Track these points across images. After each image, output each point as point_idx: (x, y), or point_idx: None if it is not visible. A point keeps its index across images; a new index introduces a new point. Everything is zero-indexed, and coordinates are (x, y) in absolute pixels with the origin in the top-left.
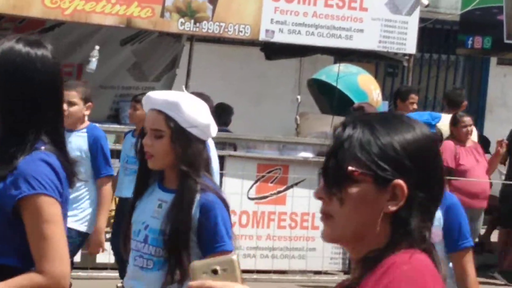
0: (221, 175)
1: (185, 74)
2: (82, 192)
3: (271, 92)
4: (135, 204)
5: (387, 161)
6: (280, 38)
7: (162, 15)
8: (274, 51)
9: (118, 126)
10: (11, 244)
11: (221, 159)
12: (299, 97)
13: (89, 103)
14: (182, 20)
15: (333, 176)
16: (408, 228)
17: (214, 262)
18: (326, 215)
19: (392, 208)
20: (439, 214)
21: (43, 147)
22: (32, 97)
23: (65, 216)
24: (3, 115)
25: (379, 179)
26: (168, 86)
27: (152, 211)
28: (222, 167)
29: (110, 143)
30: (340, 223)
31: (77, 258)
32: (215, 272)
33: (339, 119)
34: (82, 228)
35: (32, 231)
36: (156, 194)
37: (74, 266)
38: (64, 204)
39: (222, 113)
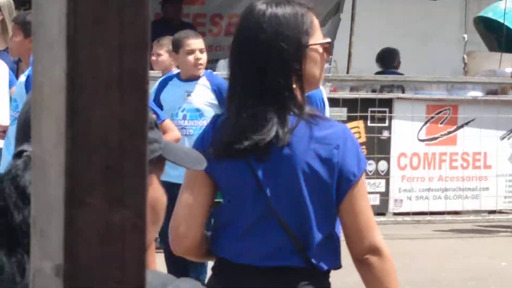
0: (390, 118)
1: (349, 18)
2: None
3: (437, 32)
4: None
5: None
6: None
7: None
8: None
9: None
10: None
11: (390, 101)
12: (465, 36)
13: None
14: None
15: None
16: None
17: None
18: None
19: None
20: None
21: None
22: None
23: None
24: None
25: None
26: (333, 31)
27: None
28: (390, 110)
29: None
30: None
31: None
32: None
33: (507, 56)
34: None
35: None
36: None
37: None
38: None
39: (385, 58)
